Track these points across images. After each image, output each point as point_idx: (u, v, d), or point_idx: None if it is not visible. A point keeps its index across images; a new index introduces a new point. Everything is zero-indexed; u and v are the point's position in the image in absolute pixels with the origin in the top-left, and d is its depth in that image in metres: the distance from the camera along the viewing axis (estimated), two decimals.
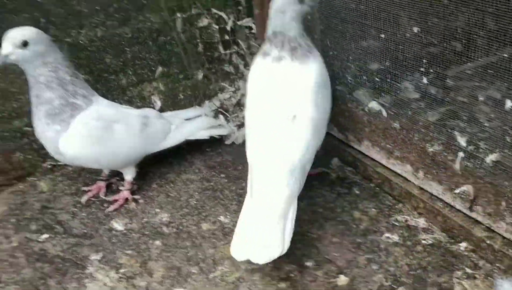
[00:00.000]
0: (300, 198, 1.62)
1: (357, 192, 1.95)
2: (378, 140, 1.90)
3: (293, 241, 1.54)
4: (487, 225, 1.56)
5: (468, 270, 1.53)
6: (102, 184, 2.10)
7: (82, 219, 1.95)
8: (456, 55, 1.48)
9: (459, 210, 1.65)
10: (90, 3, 2.16)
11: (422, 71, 1.61)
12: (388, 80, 1.78)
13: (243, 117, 2.48)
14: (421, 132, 1.70)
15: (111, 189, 2.12)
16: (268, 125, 1.66)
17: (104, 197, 2.06)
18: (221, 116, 2.49)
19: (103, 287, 1.61)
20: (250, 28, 2.54)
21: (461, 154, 1.58)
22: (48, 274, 1.68)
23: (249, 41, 2.57)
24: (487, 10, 1.31)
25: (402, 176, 1.85)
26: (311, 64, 1.71)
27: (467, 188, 1.58)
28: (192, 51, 2.47)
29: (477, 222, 1.59)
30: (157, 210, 1.97)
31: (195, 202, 2.00)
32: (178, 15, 2.38)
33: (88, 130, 1.82)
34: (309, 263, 1.63)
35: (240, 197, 1.98)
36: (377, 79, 1.82)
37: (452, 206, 1.67)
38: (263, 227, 1.49)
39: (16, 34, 1.66)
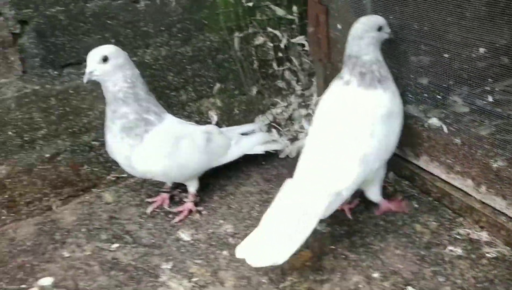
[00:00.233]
0: (360, 211, 1.65)
1: (416, 205, 1.98)
2: (438, 155, 1.92)
3: (357, 253, 1.59)
4: None
5: None
6: (165, 195, 2.17)
7: (149, 229, 2.02)
8: None
9: None
10: (156, 24, 2.27)
11: (487, 90, 1.64)
12: (451, 97, 1.81)
13: (295, 131, 2.57)
14: (484, 148, 1.72)
15: (173, 200, 2.19)
16: (319, 149, 1.69)
17: (168, 209, 2.13)
18: (273, 130, 2.56)
19: None
20: (303, 45, 2.61)
21: None
22: (123, 282, 1.74)
23: (302, 58, 2.65)
24: None
25: (462, 191, 1.86)
26: (377, 93, 1.70)
27: None
28: (248, 68, 2.56)
29: None
30: (221, 221, 2.03)
31: (256, 213, 2.04)
32: (236, 34, 2.48)
33: (160, 145, 1.90)
34: (375, 275, 1.66)
35: None
36: (439, 97, 1.85)
37: None
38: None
39: (97, 51, 1.78)
